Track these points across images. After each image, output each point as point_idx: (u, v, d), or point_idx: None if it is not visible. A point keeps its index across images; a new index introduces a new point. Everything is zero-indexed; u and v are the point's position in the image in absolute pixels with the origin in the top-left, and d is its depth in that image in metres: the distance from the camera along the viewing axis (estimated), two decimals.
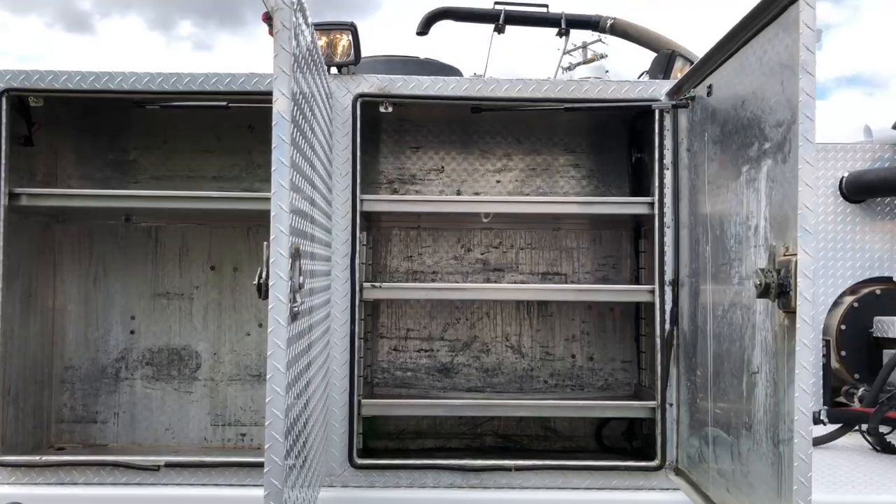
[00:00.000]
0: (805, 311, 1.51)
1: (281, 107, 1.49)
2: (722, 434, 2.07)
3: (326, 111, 2.37)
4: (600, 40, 31.24)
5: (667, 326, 2.50)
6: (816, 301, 3.61)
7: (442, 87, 2.53)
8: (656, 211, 2.51)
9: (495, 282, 3.06)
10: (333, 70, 2.56)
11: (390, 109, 2.54)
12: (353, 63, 2.52)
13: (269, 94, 1.49)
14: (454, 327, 3.06)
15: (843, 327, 3.57)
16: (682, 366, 2.48)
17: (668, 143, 2.51)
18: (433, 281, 3.04)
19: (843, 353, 3.56)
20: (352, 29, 2.48)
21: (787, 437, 1.56)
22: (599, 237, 3.08)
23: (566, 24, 3.87)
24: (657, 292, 2.52)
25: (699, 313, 2.32)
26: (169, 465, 2.44)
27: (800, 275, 1.52)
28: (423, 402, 2.74)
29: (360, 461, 2.46)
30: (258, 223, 2.85)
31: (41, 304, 2.84)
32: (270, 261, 1.49)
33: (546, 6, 3.92)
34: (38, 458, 2.47)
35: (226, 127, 2.99)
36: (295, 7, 1.54)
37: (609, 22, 3.84)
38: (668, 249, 2.51)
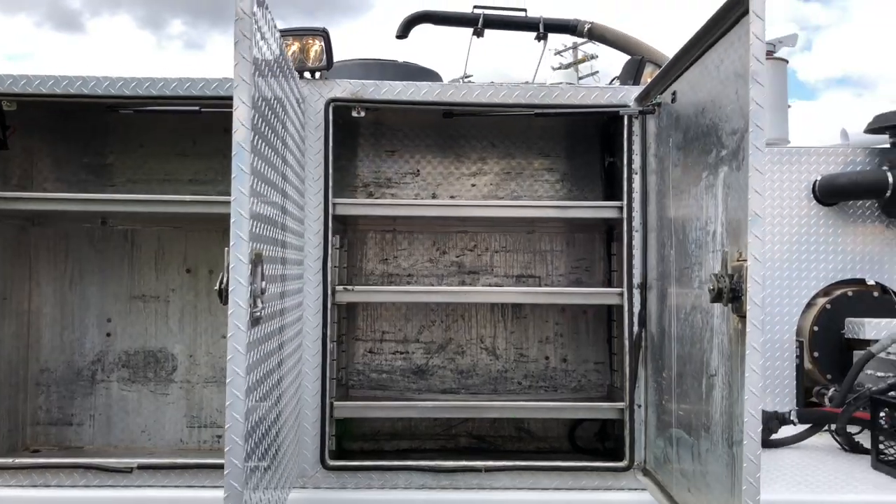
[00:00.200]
0: (755, 316, 1.55)
1: (241, 114, 1.52)
2: (684, 435, 2.11)
3: (298, 116, 2.40)
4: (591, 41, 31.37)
5: (635, 329, 2.54)
6: (790, 302, 3.67)
7: (414, 92, 2.55)
8: (625, 215, 2.55)
9: (470, 284, 3.09)
10: (311, 75, 2.59)
11: (363, 114, 2.56)
12: (326, 68, 2.54)
13: None
14: (429, 330, 3.08)
15: (815, 328, 3.62)
16: (650, 368, 2.51)
17: (636, 148, 2.55)
18: (408, 284, 3.07)
19: (816, 354, 3.61)
20: (323, 35, 2.50)
21: (739, 439, 1.59)
22: (573, 240, 3.12)
23: (544, 28, 3.90)
24: (625, 295, 2.55)
25: (665, 316, 2.36)
26: (142, 467, 2.46)
27: (750, 280, 1.55)
28: (396, 404, 2.76)
29: (331, 462, 2.49)
30: None
31: (16, 306, 2.85)
32: (230, 266, 1.51)
33: (525, 10, 3.96)
34: (10, 460, 2.49)
35: (202, 131, 3.00)
36: (255, 16, 1.56)
37: (586, 26, 3.88)
38: (637, 253, 2.54)
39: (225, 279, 1.54)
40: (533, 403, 2.83)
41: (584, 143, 3.11)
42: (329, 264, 2.50)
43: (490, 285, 3.09)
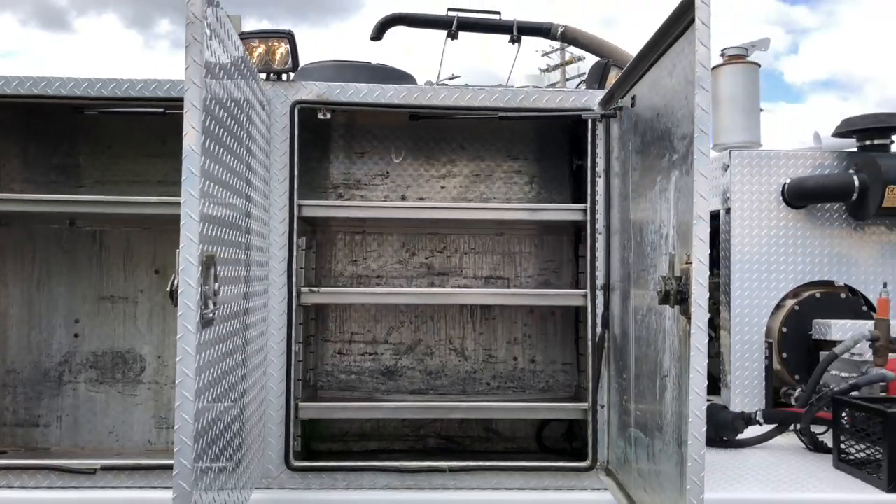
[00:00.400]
0: (699, 318, 1.57)
1: (191, 117, 1.53)
2: (641, 435, 2.13)
3: (262, 118, 2.40)
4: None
5: (598, 330, 2.56)
6: (760, 304, 3.71)
7: (380, 94, 2.57)
8: (588, 217, 2.57)
9: (440, 286, 3.11)
10: (277, 77, 2.60)
11: (328, 116, 2.58)
12: (291, 70, 2.55)
13: None
14: (398, 331, 3.10)
15: (784, 330, 3.66)
16: (613, 368, 2.54)
17: (600, 151, 2.58)
18: (378, 285, 3.08)
19: (785, 355, 3.65)
20: (289, 37, 2.51)
21: (686, 439, 1.62)
22: (542, 242, 3.14)
23: (518, 31, 3.92)
24: (589, 297, 2.58)
25: (626, 317, 2.39)
26: (105, 469, 2.46)
27: (694, 282, 1.58)
28: (361, 405, 2.78)
29: (296, 463, 2.49)
30: None
31: None
32: (180, 268, 1.52)
33: (499, 13, 3.98)
34: None
35: (171, 132, 2.96)
36: (207, 20, 1.57)
37: (559, 29, 3.91)
38: (600, 255, 2.57)
39: (176, 281, 1.55)
40: (496, 404, 2.85)
41: (553, 146, 3.13)
42: (294, 266, 2.51)
43: (460, 287, 3.11)
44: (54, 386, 2.96)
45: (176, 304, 1.54)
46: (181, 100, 2.49)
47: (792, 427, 3.12)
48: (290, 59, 2.52)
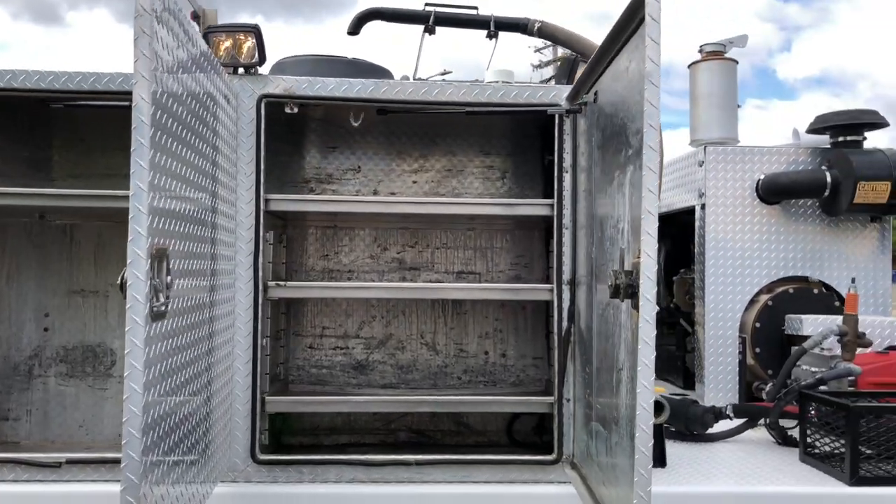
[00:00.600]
0: (647, 311, 1.59)
1: (140, 111, 1.53)
2: (601, 429, 2.15)
3: (228, 112, 2.40)
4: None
5: (564, 324, 2.58)
6: (734, 299, 3.73)
7: (347, 88, 2.57)
8: (555, 212, 2.58)
9: (411, 280, 3.12)
10: (245, 71, 2.59)
11: (296, 110, 2.58)
12: (258, 64, 2.55)
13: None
14: (370, 325, 3.11)
15: (757, 325, 3.70)
16: (578, 362, 2.55)
17: (567, 146, 2.58)
18: (349, 280, 3.09)
19: (758, 349, 3.69)
20: (255, 31, 2.51)
21: (635, 432, 1.63)
22: (513, 237, 3.15)
23: (495, 26, 3.92)
24: (555, 291, 2.59)
25: (591, 312, 2.40)
26: (71, 462, 2.46)
27: (643, 276, 1.59)
28: (329, 399, 2.79)
29: (262, 456, 2.50)
30: None
31: None
32: (128, 261, 1.52)
33: (476, 8, 3.97)
34: None
35: None
36: (156, 13, 1.57)
37: (536, 25, 3.91)
38: (566, 250, 2.58)
39: (126, 274, 1.55)
40: (462, 398, 2.86)
41: (526, 141, 3.14)
42: (261, 260, 2.51)
43: (431, 282, 3.11)
44: (24, 380, 2.96)
45: (125, 297, 1.55)
46: None
47: (762, 421, 3.15)
48: (256, 53, 2.52)
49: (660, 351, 4.77)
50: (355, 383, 3.08)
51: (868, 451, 2.65)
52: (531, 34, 3.93)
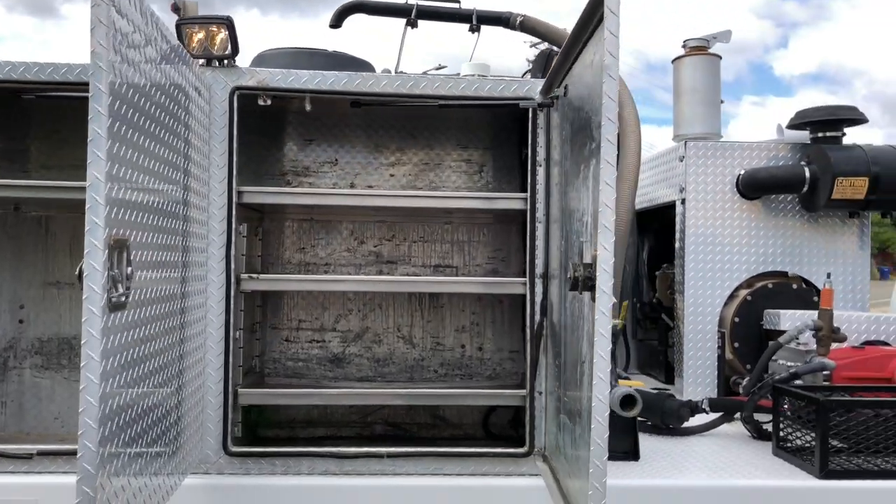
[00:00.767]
0: (603, 303, 1.59)
1: (97, 101, 1.52)
2: (567, 421, 2.16)
3: (199, 105, 2.40)
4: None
5: (537, 317, 2.58)
6: (713, 294, 3.75)
7: (320, 81, 2.57)
8: (528, 206, 2.59)
9: (388, 273, 3.12)
10: (219, 63, 2.58)
11: (269, 102, 2.57)
12: (231, 56, 2.54)
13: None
14: (346, 319, 3.11)
15: (736, 319, 3.71)
16: (550, 355, 2.56)
17: (541, 140, 2.58)
18: (326, 273, 3.09)
19: (737, 344, 3.70)
20: (227, 23, 2.50)
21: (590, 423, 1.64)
22: (491, 231, 3.16)
23: (477, 20, 3.92)
24: (528, 285, 2.59)
25: (562, 305, 2.41)
26: (42, 454, 2.46)
27: (599, 269, 1.60)
28: (302, 392, 2.79)
29: (234, 449, 2.50)
30: None
31: None
32: (85, 251, 1.52)
33: (458, 2, 3.97)
34: None
35: None
36: (114, 2, 1.56)
37: (518, 19, 3.90)
38: (539, 244, 2.58)
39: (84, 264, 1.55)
40: (436, 390, 2.86)
41: (503, 135, 3.14)
42: (233, 252, 2.51)
43: (408, 275, 3.12)
44: None
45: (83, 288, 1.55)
46: None
47: (738, 415, 3.16)
48: (228, 45, 2.51)
49: (642, 346, 4.80)
50: (332, 376, 3.08)
51: (841, 445, 2.67)
52: (513, 28, 3.93)
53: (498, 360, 3.15)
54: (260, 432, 2.98)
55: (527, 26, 3.91)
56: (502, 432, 3.06)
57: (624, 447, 2.77)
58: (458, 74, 3.52)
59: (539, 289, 2.58)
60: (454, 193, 2.97)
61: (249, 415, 2.87)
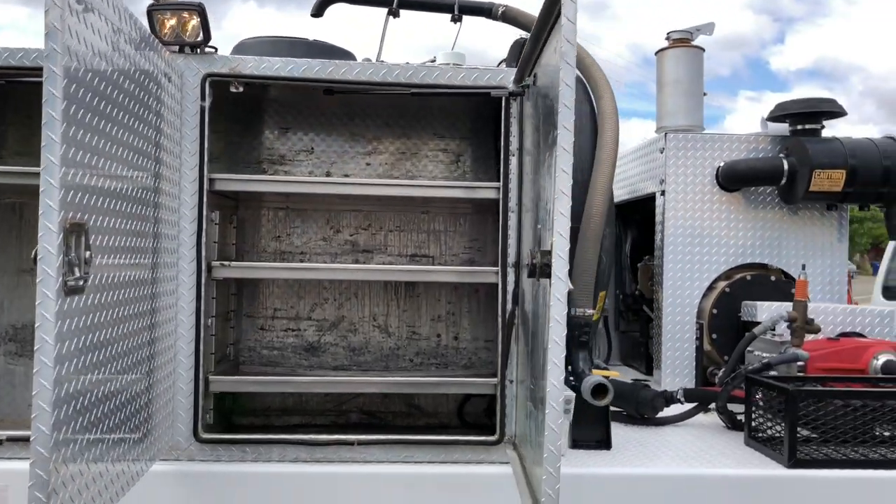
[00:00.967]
0: (558, 290, 1.60)
1: (51, 84, 1.52)
2: (533, 408, 2.16)
3: (170, 92, 2.39)
4: None
5: (509, 306, 2.59)
6: (692, 286, 3.76)
7: (293, 68, 2.56)
8: (501, 196, 2.59)
9: (364, 263, 3.12)
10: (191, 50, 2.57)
11: (241, 89, 2.56)
12: (202, 43, 2.53)
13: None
14: (322, 307, 3.11)
15: (714, 311, 3.72)
16: (522, 344, 2.57)
17: (514, 129, 2.58)
18: (301, 261, 3.09)
19: (715, 335, 3.72)
20: (199, 9, 2.49)
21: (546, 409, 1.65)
22: (467, 221, 3.16)
23: (459, 10, 3.90)
24: (500, 274, 2.60)
25: (531, 293, 2.41)
26: (12, 440, 2.46)
27: (554, 255, 1.60)
28: (274, 379, 2.79)
29: (205, 435, 2.51)
30: None
31: None
32: (39, 234, 1.52)
33: None
34: None
35: None
36: None
37: (500, 9, 3.89)
38: (512, 233, 2.59)
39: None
40: (407, 379, 2.87)
41: (480, 124, 3.14)
42: (204, 239, 2.51)
43: (384, 264, 3.12)
44: None
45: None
46: None
47: (712, 405, 3.18)
48: (200, 32, 2.50)
49: (625, 338, 4.80)
50: (307, 365, 3.09)
51: (813, 435, 2.69)
52: (495, 18, 3.91)
53: (473, 350, 3.16)
54: (235, 420, 2.99)
55: (508, 17, 3.90)
56: (477, 421, 3.07)
57: (596, 436, 2.79)
58: (433, 61, 3.52)
59: (511, 278, 2.58)
60: (427, 182, 2.97)
61: (224, 402, 2.88)
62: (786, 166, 3.57)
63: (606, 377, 2.75)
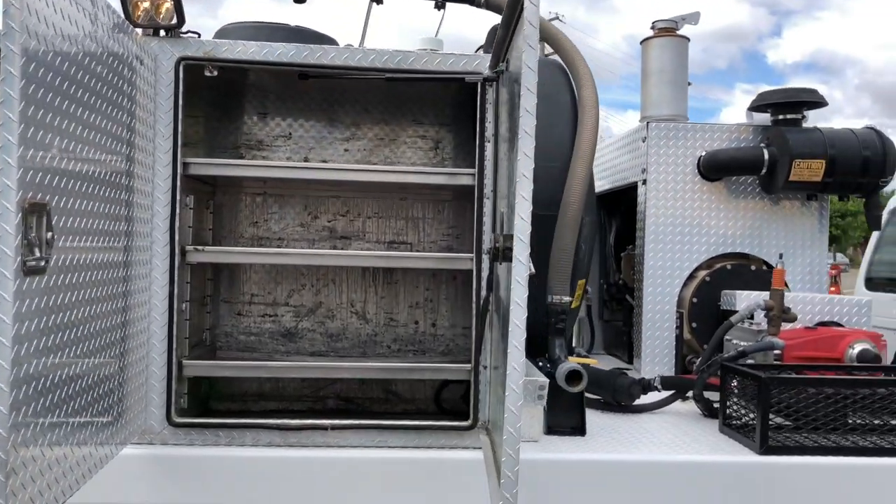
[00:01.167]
0: (519, 273, 1.60)
1: (9, 62, 1.51)
2: (501, 393, 2.17)
3: (142, 75, 2.38)
4: (557, 17, 31.33)
5: (483, 293, 2.59)
6: (673, 275, 3.77)
7: (267, 52, 2.55)
8: (476, 182, 2.59)
9: (342, 249, 3.12)
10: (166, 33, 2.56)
11: (215, 73, 2.55)
12: (177, 26, 2.52)
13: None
14: (299, 293, 3.11)
15: (695, 300, 3.74)
16: (496, 330, 2.57)
17: (489, 115, 2.58)
18: (279, 247, 3.09)
19: (695, 324, 3.73)
20: None
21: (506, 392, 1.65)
22: (446, 208, 3.16)
23: None
24: (475, 260, 2.60)
25: (505, 280, 2.41)
26: None
27: (515, 238, 1.60)
28: (248, 364, 2.80)
29: (178, 420, 2.51)
30: None
31: None
32: None
33: None
34: None
35: None
36: None
37: None
38: (487, 220, 2.59)
39: None
40: (381, 364, 2.88)
41: (459, 111, 3.13)
42: (178, 224, 2.50)
43: (361, 250, 3.12)
44: None
45: None
46: None
47: (689, 393, 3.19)
48: (174, 15, 2.49)
49: (608, 327, 4.81)
50: (284, 350, 3.09)
51: (786, 423, 2.71)
52: (479, 6, 3.89)
53: (451, 336, 3.16)
54: (212, 405, 2.99)
55: (492, 4, 3.88)
56: (454, 407, 3.08)
57: (571, 423, 2.80)
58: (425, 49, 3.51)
59: (486, 264, 2.58)
60: (405, 168, 2.97)
61: (199, 387, 2.88)
62: (766, 156, 3.58)
63: (583, 364, 2.77)
